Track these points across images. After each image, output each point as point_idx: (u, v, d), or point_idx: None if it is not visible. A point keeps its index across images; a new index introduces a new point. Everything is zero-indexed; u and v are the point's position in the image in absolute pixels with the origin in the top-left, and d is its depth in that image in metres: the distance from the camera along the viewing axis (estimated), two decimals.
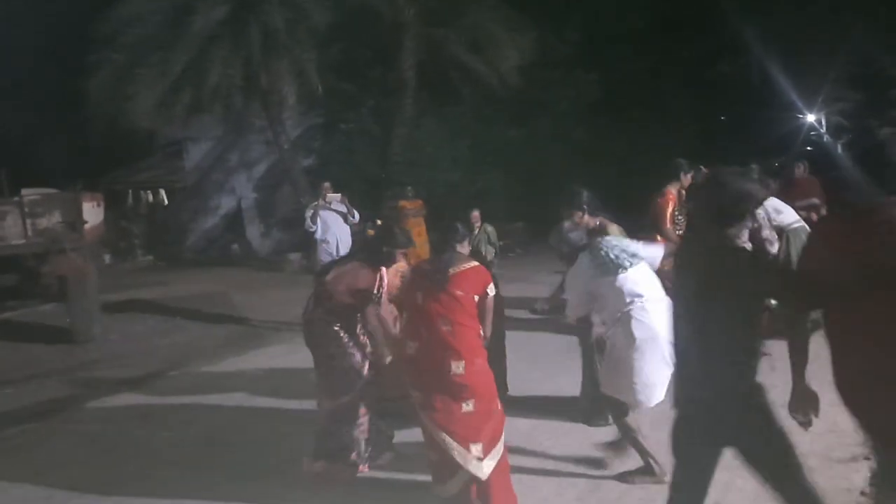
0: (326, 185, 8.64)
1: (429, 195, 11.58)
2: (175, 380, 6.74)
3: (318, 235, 8.45)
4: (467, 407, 3.67)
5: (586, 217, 4.47)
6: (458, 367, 3.67)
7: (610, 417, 4.34)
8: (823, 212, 8.98)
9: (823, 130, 20.58)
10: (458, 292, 3.71)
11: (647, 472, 4.07)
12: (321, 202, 8.49)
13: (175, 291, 11.47)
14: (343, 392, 4.15)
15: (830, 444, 4.45)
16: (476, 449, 3.62)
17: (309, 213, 8.50)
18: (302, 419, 5.26)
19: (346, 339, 4.17)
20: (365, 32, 13.67)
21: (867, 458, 4.21)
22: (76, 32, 12.75)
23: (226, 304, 10.23)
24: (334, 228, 8.37)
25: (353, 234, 8.51)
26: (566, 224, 4.41)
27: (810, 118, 19.61)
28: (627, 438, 4.12)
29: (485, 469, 3.61)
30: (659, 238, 6.08)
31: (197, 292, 11.20)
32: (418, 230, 11.21)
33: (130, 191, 17.70)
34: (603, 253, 4.06)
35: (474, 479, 3.61)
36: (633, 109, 16.61)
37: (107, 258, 12.00)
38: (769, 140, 16.97)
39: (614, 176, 15.87)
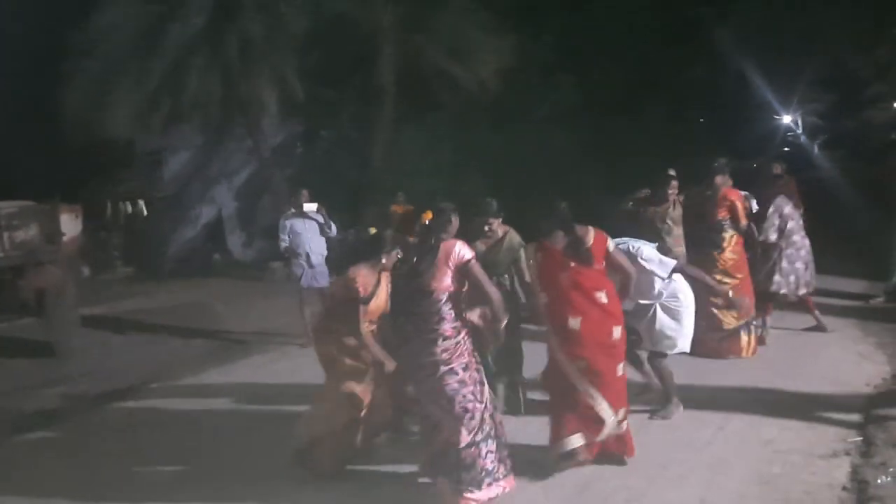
0: (305, 192, 8.12)
1: (410, 201, 11.58)
2: (157, 392, 6.66)
3: (286, 252, 7.99)
4: (619, 371, 4.27)
5: (496, 224, 5.07)
6: (616, 332, 4.26)
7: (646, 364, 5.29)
8: (801, 211, 9.10)
9: (800, 131, 20.86)
10: (598, 266, 4.27)
11: (667, 403, 5.06)
12: (295, 211, 7.99)
13: (156, 303, 11.35)
14: None
15: (812, 440, 4.52)
16: (621, 413, 4.22)
17: (283, 222, 8.01)
18: (287, 428, 5.24)
19: None
20: (343, 39, 13.66)
21: (848, 454, 4.27)
22: (51, 42, 12.62)
23: (208, 314, 10.15)
24: (308, 240, 7.84)
25: (339, 243, 8.44)
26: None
27: (786, 119, 19.89)
28: (666, 379, 5.09)
29: (623, 427, 4.27)
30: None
31: (178, 303, 11.09)
32: (410, 235, 11.22)
33: (109, 202, 17.50)
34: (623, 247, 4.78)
35: (611, 435, 4.22)
36: (612, 114, 16.73)
37: (86, 270, 11.86)
38: (747, 141, 17.18)
39: (594, 180, 15.99)
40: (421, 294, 3.85)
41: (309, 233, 7.86)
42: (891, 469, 3.98)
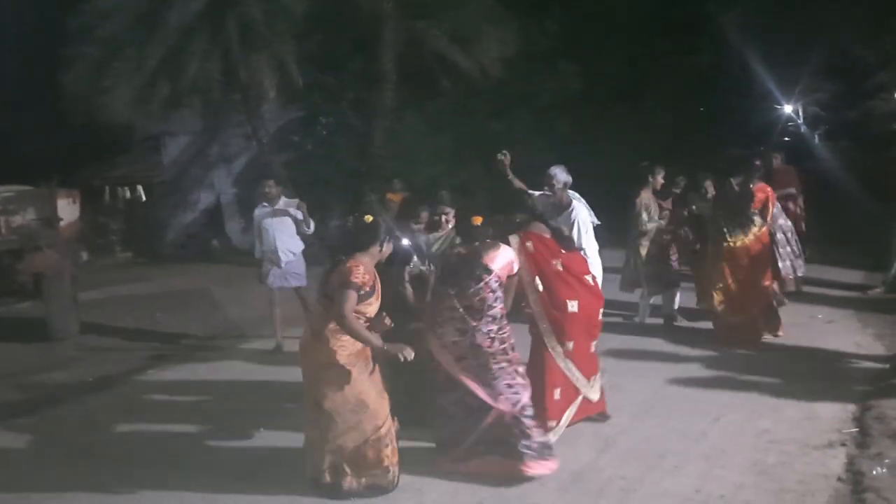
0: (270, 182, 7.21)
1: (410, 188, 11.55)
2: (155, 377, 6.68)
3: (256, 251, 7.23)
4: (594, 347, 4.69)
5: (452, 215, 5.18)
6: (600, 314, 4.70)
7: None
8: (801, 201, 9.10)
9: (801, 121, 20.77)
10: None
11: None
12: (266, 205, 7.11)
13: (154, 288, 11.35)
14: None
15: (809, 430, 4.52)
16: (593, 379, 4.65)
17: (255, 220, 7.22)
18: (285, 414, 5.25)
19: None
20: (344, 25, 13.56)
21: (844, 445, 4.27)
22: (50, 25, 12.54)
23: (206, 299, 10.15)
24: (277, 237, 7.01)
25: (339, 230, 8.10)
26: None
27: (788, 109, 19.78)
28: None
29: (595, 393, 4.68)
30: None
31: (176, 288, 11.09)
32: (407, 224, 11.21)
33: (107, 186, 17.46)
34: None
35: (586, 400, 4.62)
36: (614, 101, 16.66)
37: (84, 255, 11.83)
38: (748, 130, 17.11)
39: (595, 167, 15.93)
40: (480, 273, 4.07)
41: (279, 229, 7.04)
42: (886, 460, 3.98)
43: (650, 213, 6.92)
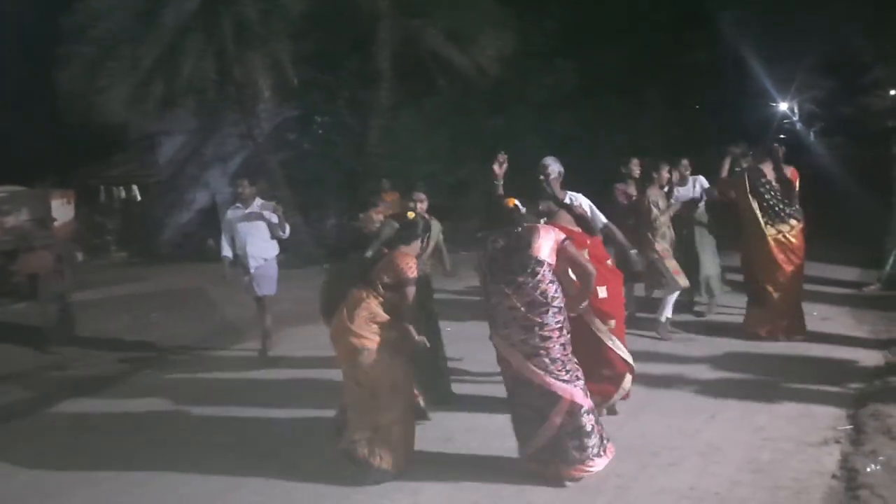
0: (244, 182, 6.83)
1: (407, 187, 11.51)
2: (151, 377, 6.67)
3: (225, 253, 6.80)
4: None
5: (425, 204, 5.32)
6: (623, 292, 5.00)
7: None
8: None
9: (797, 118, 20.80)
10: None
11: None
12: (240, 206, 6.75)
13: (150, 288, 11.32)
14: None
15: (804, 427, 4.52)
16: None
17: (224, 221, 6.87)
18: (282, 413, 5.25)
19: None
20: (340, 23, 13.53)
21: (838, 442, 4.28)
22: (45, 25, 12.49)
23: (202, 299, 10.13)
24: (248, 241, 6.65)
25: (337, 230, 7.89)
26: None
27: (783, 106, 19.82)
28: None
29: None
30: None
31: (172, 288, 11.07)
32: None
33: (103, 186, 17.42)
34: None
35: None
36: (611, 98, 16.66)
37: (80, 255, 11.80)
38: (744, 127, 17.13)
39: (594, 163, 15.93)
40: (533, 267, 3.99)
41: (252, 233, 6.66)
42: (881, 457, 3.98)
43: (660, 208, 6.80)
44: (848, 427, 4.48)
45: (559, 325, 3.98)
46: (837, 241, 9.76)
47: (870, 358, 5.86)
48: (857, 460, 4.00)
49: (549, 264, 4.02)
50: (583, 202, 5.48)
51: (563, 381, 3.94)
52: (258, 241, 6.68)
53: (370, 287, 4.15)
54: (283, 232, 6.76)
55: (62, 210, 8.94)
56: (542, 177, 5.58)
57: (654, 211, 6.73)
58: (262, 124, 13.74)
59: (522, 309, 3.93)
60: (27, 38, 14.88)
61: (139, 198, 17.46)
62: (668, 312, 6.74)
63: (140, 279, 12.05)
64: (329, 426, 4.68)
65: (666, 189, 6.95)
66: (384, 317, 4.11)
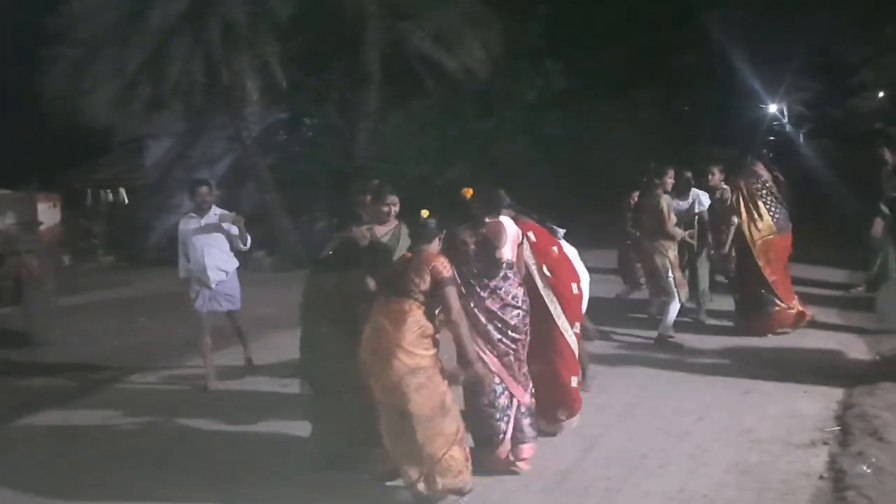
0: (201, 190, 6.07)
1: (395, 189, 11.48)
2: (138, 382, 6.60)
3: (183, 274, 6.19)
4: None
5: (397, 208, 5.25)
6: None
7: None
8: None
9: (785, 120, 20.91)
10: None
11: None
12: (194, 215, 6.10)
13: (137, 291, 11.24)
14: None
15: (791, 429, 4.53)
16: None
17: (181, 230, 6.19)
18: (268, 421, 5.21)
19: None
20: (327, 25, 13.49)
21: (826, 444, 4.29)
22: (30, 27, 12.38)
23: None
24: (210, 255, 6.00)
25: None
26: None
27: (772, 108, 19.92)
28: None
29: None
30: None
31: (159, 292, 10.95)
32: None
33: (89, 189, 17.29)
34: None
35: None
36: (600, 99, 16.70)
37: (66, 259, 11.73)
38: (733, 129, 17.20)
39: (583, 165, 15.97)
40: (504, 271, 4.11)
41: (210, 245, 6.03)
42: (868, 459, 4.00)
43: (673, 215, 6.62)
44: (835, 428, 4.50)
45: (526, 328, 4.13)
46: (826, 242, 9.80)
47: (856, 359, 5.89)
48: (844, 461, 4.02)
49: (513, 263, 4.16)
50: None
51: (520, 382, 4.13)
52: (218, 252, 6.05)
53: (406, 296, 3.71)
54: (244, 244, 6.14)
55: (48, 214, 8.87)
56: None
57: (673, 218, 6.51)
58: (249, 126, 13.67)
59: (497, 312, 4.05)
60: (11, 40, 14.73)
61: (126, 201, 17.34)
62: (668, 326, 6.54)
63: (127, 283, 11.95)
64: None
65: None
66: (431, 329, 3.75)
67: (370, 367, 3.74)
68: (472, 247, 4.12)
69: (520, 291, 4.13)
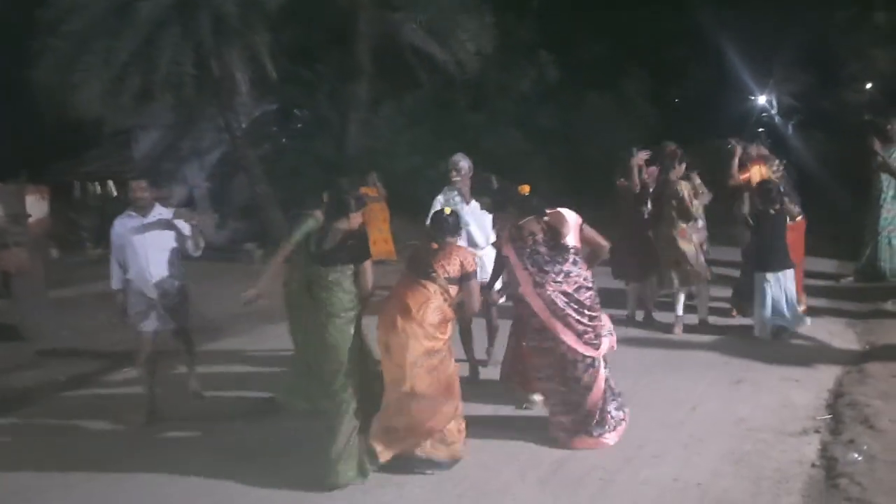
0: (140, 184, 5.21)
1: (388, 181, 11.48)
2: (128, 375, 6.54)
3: (116, 285, 5.26)
4: None
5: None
6: None
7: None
8: None
9: (775, 111, 20.99)
10: None
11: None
12: (133, 214, 5.20)
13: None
14: None
15: (784, 418, 4.57)
16: None
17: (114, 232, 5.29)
18: (263, 409, 5.20)
19: None
20: (319, 16, 13.41)
21: (817, 432, 4.33)
22: (18, 18, 12.23)
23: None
24: (154, 262, 5.11)
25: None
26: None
27: (762, 99, 20.00)
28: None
29: None
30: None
31: None
32: (384, 216, 11.15)
33: (77, 182, 17.14)
34: None
35: None
36: (593, 91, 16.73)
37: (54, 252, 11.62)
38: (724, 120, 17.24)
39: (575, 158, 16.00)
40: (571, 256, 4.35)
41: (154, 248, 5.12)
42: (859, 446, 4.04)
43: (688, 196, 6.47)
44: (827, 417, 4.54)
45: (599, 307, 4.39)
46: (816, 233, 9.83)
47: (847, 348, 5.94)
48: (836, 449, 4.06)
49: (577, 248, 4.34)
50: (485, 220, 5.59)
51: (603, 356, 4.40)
52: (165, 259, 5.15)
53: (430, 280, 4.04)
54: (198, 247, 5.30)
55: (36, 206, 8.79)
56: (453, 172, 5.61)
57: (692, 199, 6.37)
58: (240, 118, 13.58)
59: (574, 294, 4.26)
60: (0, 32, 14.57)
61: (115, 193, 17.19)
62: (706, 309, 6.58)
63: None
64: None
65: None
66: (450, 314, 4.09)
67: (388, 344, 3.98)
68: (540, 235, 4.34)
69: (589, 273, 4.38)
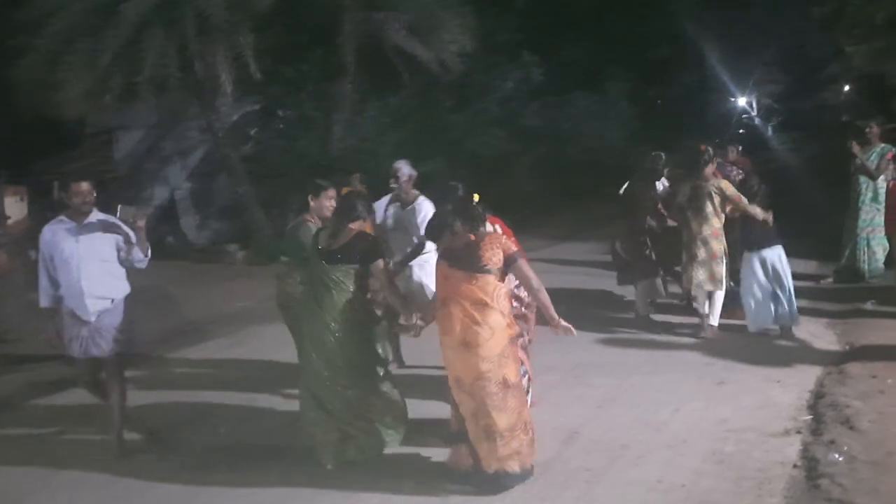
0: (81, 187, 4.52)
1: (372, 181, 11.44)
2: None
3: (45, 303, 4.62)
4: None
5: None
6: None
7: None
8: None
9: (755, 112, 21.21)
10: None
11: None
12: (64, 219, 4.56)
13: None
14: None
15: (765, 419, 4.62)
16: None
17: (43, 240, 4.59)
18: (245, 416, 5.17)
19: None
20: (303, 16, 13.35)
21: (799, 433, 4.38)
22: None
23: (162, 297, 9.87)
24: (88, 276, 4.42)
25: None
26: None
27: (743, 101, 20.22)
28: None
29: None
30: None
31: (131, 286, 10.80)
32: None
33: (57, 182, 16.91)
34: None
35: None
36: (576, 92, 16.82)
37: (34, 254, 11.43)
38: (706, 121, 17.42)
39: (559, 158, 16.07)
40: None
41: (88, 260, 4.45)
42: (840, 447, 4.09)
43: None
44: (808, 417, 4.59)
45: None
46: (796, 233, 9.94)
47: (827, 349, 6.01)
48: (817, 450, 4.11)
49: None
50: (425, 206, 5.55)
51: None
52: (101, 272, 4.49)
53: (483, 272, 3.83)
54: (145, 254, 4.63)
55: (15, 207, 8.67)
56: (392, 179, 5.62)
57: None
58: (222, 118, 13.48)
59: (515, 290, 4.39)
60: None
61: (95, 194, 17.00)
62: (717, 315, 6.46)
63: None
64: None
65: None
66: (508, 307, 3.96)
67: (457, 362, 3.85)
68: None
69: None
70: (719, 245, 6.27)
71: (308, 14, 13.23)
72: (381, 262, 4.21)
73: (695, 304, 6.49)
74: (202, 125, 13.83)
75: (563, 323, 3.98)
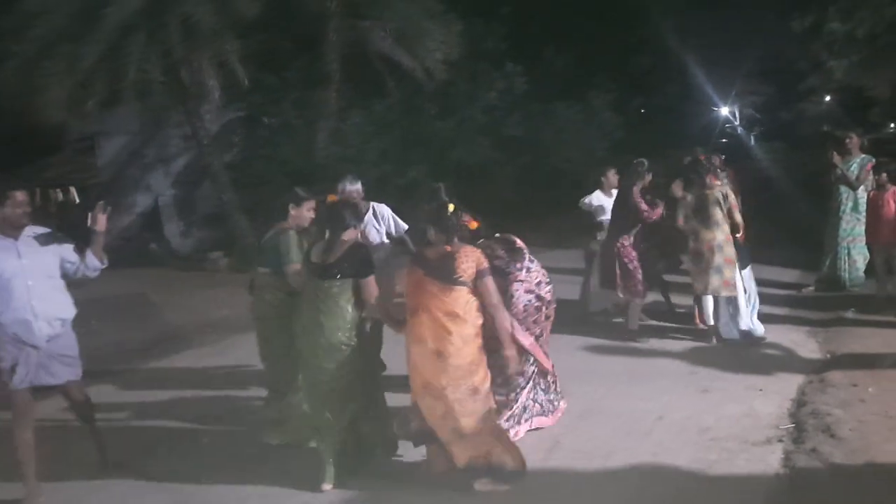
0: (17, 197, 4.00)
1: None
2: (91, 387, 6.39)
3: None
4: None
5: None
6: None
7: None
8: (738, 202, 9.33)
9: (737, 122, 21.43)
10: None
11: None
12: (8, 239, 4.01)
13: (89, 294, 10.69)
14: None
15: (748, 427, 4.64)
16: None
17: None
18: (230, 424, 5.13)
19: None
20: (287, 23, 13.33)
21: (781, 441, 4.40)
22: None
23: (145, 305, 9.82)
24: (38, 297, 4.00)
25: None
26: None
27: (725, 111, 20.43)
28: None
29: None
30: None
31: (113, 294, 10.62)
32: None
33: (38, 189, 16.74)
34: None
35: None
36: (560, 102, 16.92)
37: None
38: (688, 131, 17.58)
39: (542, 167, 16.14)
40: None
41: (37, 279, 4.03)
42: (821, 455, 4.12)
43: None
44: (789, 426, 4.62)
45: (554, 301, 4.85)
46: (777, 242, 10.05)
47: (808, 358, 6.06)
48: (798, 458, 4.14)
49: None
50: (385, 211, 5.88)
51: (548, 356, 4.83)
52: (51, 293, 4.09)
53: (456, 284, 3.86)
54: (101, 261, 4.38)
55: None
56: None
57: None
58: (206, 125, 13.42)
59: (535, 288, 4.65)
60: None
61: (77, 200, 16.84)
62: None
63: (78, 285, 11.52)
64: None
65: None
66: (480, 319, 3.98)
67: (440, 351, 3.85)
68: (496, 244, 4.68)
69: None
70: (732, 249, 6.35)
71: (292, 22, 13.23)
72: (371, 277, 4.14)
73: (705, 312, 6.52)
74: (186, 132, 13.76)
75: (512, 353, 4.09)
